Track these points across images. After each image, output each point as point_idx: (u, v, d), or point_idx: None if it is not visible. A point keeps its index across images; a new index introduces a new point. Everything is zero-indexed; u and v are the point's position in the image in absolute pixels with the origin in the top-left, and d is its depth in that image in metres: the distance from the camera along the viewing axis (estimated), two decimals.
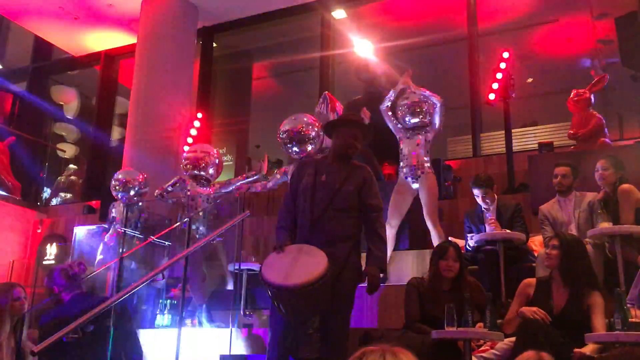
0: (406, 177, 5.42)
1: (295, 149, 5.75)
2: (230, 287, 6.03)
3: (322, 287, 3.20)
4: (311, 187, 3.54)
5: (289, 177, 5.63)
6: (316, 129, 5.78)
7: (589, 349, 3.31)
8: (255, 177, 6.14)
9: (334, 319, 3.40)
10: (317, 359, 3.53)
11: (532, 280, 3.85)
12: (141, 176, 6.90)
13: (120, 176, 6.85)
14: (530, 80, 10.14)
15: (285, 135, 5.78)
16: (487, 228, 4.93)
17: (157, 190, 6.25)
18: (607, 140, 6.28)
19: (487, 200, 5.09)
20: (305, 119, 5.84)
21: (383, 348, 1.32)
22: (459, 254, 3.94)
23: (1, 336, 3.77)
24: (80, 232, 7.49)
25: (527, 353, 2.04)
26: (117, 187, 6.78)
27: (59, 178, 11.45)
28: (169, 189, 6.19)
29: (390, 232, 5.41)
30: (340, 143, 3.63)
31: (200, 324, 5.64)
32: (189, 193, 6.05)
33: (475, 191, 5.13)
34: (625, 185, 4.54)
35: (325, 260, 3.25)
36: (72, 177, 11.40)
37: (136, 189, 6.79)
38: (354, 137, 3.60)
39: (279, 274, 3.25)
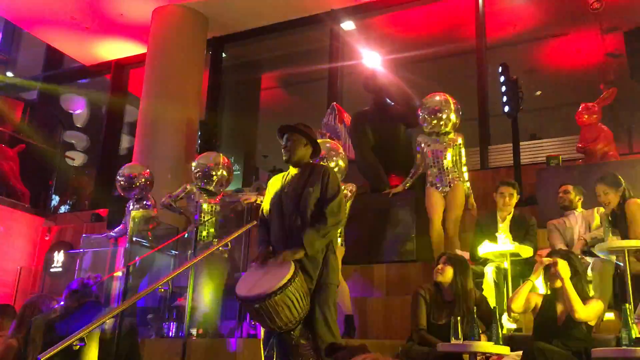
0: (432, 185, 5.46)
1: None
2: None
3: (283, 298, 3.16)
4: (278, 201, 3.61)
5: None
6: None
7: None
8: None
9: (319, 325, 3.35)
10: None
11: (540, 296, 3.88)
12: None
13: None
14: (539, 93, 10.13)
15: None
16: (498, 240, 4.90)
17: (164, 199, 6.19)
18: (615, 154, 6.25)
19: (507, 201, 5.04)
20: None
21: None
22: (453, 262, 3.98)
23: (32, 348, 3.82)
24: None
25: None
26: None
27: None
28: (176, 197, 6.15)
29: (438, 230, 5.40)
30: None
31: (205, 333, 5.62)
32: (196, 203, 6.01)
33: (502, 189, 5.09)
34: (634, 200, 4.52)
35: (289, 273, 3.21)
36: None
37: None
38: (284, 141, 3.72)
39: (246, 286, 3.30)
